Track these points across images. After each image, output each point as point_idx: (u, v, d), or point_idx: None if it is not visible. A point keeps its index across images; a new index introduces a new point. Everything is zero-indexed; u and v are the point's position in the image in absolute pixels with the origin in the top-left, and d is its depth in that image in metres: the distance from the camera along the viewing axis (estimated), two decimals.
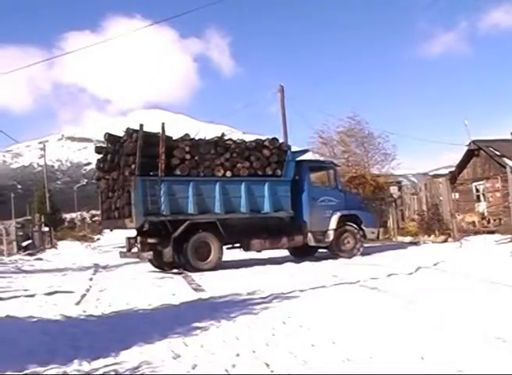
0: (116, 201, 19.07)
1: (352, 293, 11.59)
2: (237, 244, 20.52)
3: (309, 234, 20.85)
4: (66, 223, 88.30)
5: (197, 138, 19.53)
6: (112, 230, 26.60)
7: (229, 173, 19.24)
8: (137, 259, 20.70)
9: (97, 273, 20.09)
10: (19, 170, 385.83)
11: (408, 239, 29.51)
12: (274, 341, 7.47)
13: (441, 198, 30.24)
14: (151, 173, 18.23)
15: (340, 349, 6.83)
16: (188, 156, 18.69)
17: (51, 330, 9.04)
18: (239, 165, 19.44)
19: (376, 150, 38.21)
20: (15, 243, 39.72)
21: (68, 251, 38.63)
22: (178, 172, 18.52)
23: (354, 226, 21.66)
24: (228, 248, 20.21)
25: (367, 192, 34.71)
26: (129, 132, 18.58)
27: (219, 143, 19.56)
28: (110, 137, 19.85)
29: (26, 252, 38.70)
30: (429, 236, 28.02)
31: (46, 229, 50.25)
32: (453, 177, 37.13)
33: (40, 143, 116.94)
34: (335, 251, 21.27)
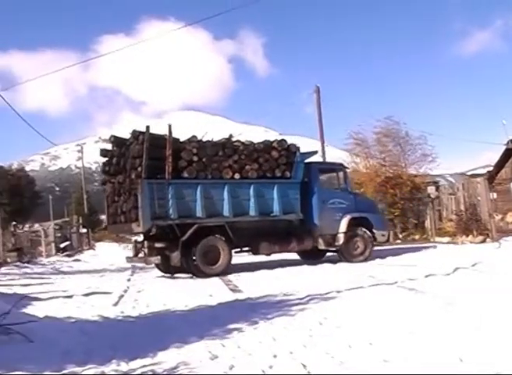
0: (123, 205, 18.73)
1: (389, 294, 11.44)
2: (246, 248, 20.26)
3: (319, 237, 20.51)
4: (104, 225, 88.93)
5: (204, 140, 19.25)
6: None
7: (237, 176, 18.90)
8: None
9: (135, 274, 20.20)
10: (57, 172, 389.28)
11: (446, 239, 29.18)
12: (311, 342, 7.40)
13: (479, 198, 29.86)
14: (158, 176, 17.89)
15: (377, 350, 6.74)
16: (195, 158, 18.36)
17: (89, 331, 9.14)
18: (247, 167, 19.10)
19: (413, 150, 37.88)
20: (53, 244, 40.20)
21: (105, 253, 38.88)
22: (185, 174, 18.18)
23: (364, 229, 21.24)
24: (236, 252, 19.96)
25: (404, 192, 34.47)
26: (136, 134, 18.31)
27: (227, 144, 19.26)
28: (116, 140, 19.55)
29: (65, 254, 39.18)
30: (467, 236, 27.72)
31: (84, 230, 50.78)
32: (491, 177, 36.78)
33: (78, 145, 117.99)
34: (345, 254, 20.83)
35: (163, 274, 19.49)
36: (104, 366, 6.77)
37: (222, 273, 18.05)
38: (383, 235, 21.92)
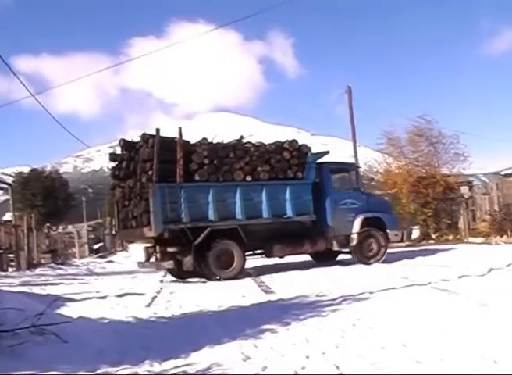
0: (133, 210, 18.49)
1: (422, 295, 11.36)
2: (258, 251, 20.05)
3: (332, 239, 20.30)
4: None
5: (214, 142, 19.03)
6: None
7: (249, 178, 18.67)
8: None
9: (168, 275, 20.21)
10: (90, 174, 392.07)
11: (479, 240, 28.96)
12: (343, 343, 7.37)
13: None
14: (169, 180, 17.63)
15: (410, 351, 6.65)
16: (206, 161, 18.12)
17: (122, 331, 9.22)
18: (259, 168, 18.84)
19: (446, 150, 37.55)
20: (86, 246, 40.54)
21: (138, 254, 39.02)
22: (197, 177, 17.95)
23: (377, 229, 21.00)
24: (249, 255, 19.63)
25: (436, 192, 34.22)
26: (145, 137, 18.08)
27: (238, 146, 19.03)
28: (125, 144, 19.33)
29: (98, 255, 39.49)
30: (501, 236, 27.53)
31: None
32: None
33: (111, 147, 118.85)
34: (359, 255, 20.58)
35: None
36: (138, 366, 6.81)
37: (236, 277, 17.89)
38: (396, 235, 21.65)
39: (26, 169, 63.78)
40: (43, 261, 32.31)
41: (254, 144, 19.48)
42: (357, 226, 20.48)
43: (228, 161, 18.46)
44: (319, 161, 20.80)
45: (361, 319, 9.00)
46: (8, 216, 36.96)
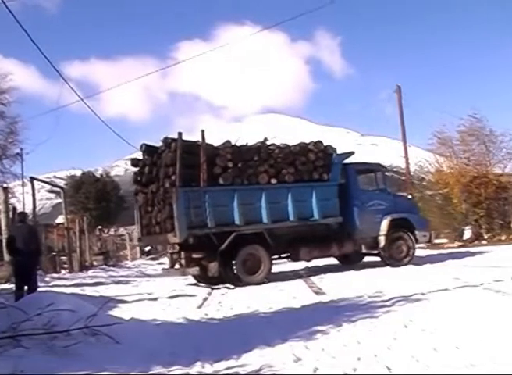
0: (157, 216, 18.18)
1: (475, 296, 11.16)
2: (284, 255, 19.66)
3: (359, 241, 19.98)
4: None
5: (238, 144, 18.77)
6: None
7: (274, 180, 18.38)
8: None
9: None
10: None
11: None
12: (395, 345, 7.29)
13: None
14: (193, 184, 17.34)
15: (464, 354, 6.55)
16: (230, 164, 17.79)
17: (174, 333, 9.30)
18: (284, 171, 18.57)
19: (498, 148, 36.93)
20: (138, 248, 40.77)
21: None
22: (221, 181, 17.62)
23: (405, 230, 20.62)
24: (274, 259, 19.26)
25: (489, 192, 33.70)
26: (167, 142, 17.83)
27: (262, 149, 18.71)
28: (147, 149, 19.05)
29: (149, 257, 39.72)
30: None
31: None
32: None
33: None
34: (388, 257, 20.19)
35: None
36: (189, 367, 6.86)
37: (263, 282, 17.53)
38: (424, 236, 21.18)
39: (78, 173, 64.44)
40: (95, 263, 32.69)
41: (278, 146, 19.19)
42: (384, 227, 20.16)
43: (252, 164, 18.22)
44: (345, 162, 20.53)
45: (414, 320, 8.87)
46: (60, 219, 37.45)
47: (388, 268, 18.75)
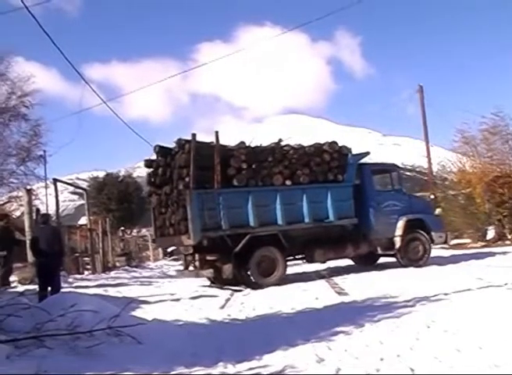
0: (171, 217, 18.06)
1: (499, 296, 11.10)
2: (298, 256, 19.56)
3: (375, 242, 19.84)
4: None
5: (252, 145, 18.56)
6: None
7: (288, 182, 18.20)
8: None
9: None
10: None
11: None
12: (418, 346, 7.27)
13: None
14: (207, 186, 17.17)
15: (488, 355, 6.50)
16: (245, 165, 17.59)
17: (196, 333, 9.34)
18: (298, 172, 18.38)
19: None
20: (160, 249, 40.86)
21: None
22: (235, 182, 17.42)
23: (421, 231, 20.40)
24: (289, 260, 19.10)
25: None
26: (181, 143, 17.63)
27: (276, 149, 18.48)
28: (160, 150, 18.86)
29: (172, 258, 39.78)
30: None
31: None
32: None
33: None
34: (403, 258, 19.97)
35: None
36: (212, 368, 6.88)
37: (278, 284, 17.24)
38: (440, 236, 20.94)
39: (100, 174, 64.70)
40: (118, 264, 32.80)
41: (292, 147, 19.00)
42: (400, 228, 19.97)
43: (267, 165, 18.03)
44: (359, 162, 20.36)
45: (436, 321, 8.82)
46: (83, 220, 37.63)
47: (411, 268, 18.62)
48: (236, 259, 17.24)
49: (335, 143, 19.54)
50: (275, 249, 17.86)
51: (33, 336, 7.74)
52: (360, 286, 14.92)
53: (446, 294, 11.65)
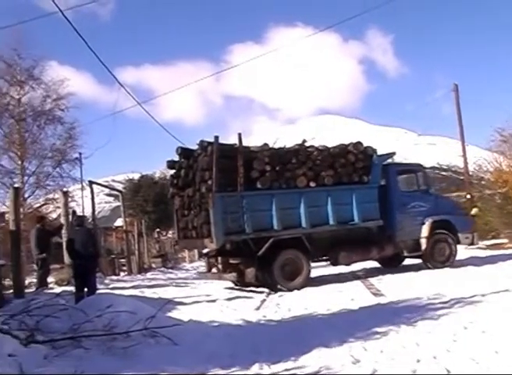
0: (193, 220, 17.84)
1: None
2: (322, 258, 19.30)
3: (400, 244, 19.54)
4: None
5: (276, 147, 18.37)
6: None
7: (312, 183, 17.88)
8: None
9: None
10: None
11: None
12: (455, 347, 7.20)
13: None
14: (229, 189, 16.97)
15: None
16: (268, 168, 17.34)
17: (232, 334, 9.35)
18: (323, 173, 18.05)
19: None
20: (196, 250, 40.96)
21: None
22: (258, 185, 17.21)
23: (447, 232, 20.02)
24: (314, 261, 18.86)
25: None
26: (204, 145, 17.46)
27: (300, 151, 18.21)
28: (183, 151, 18.71)
29: None
30: None
31: None
32: None
33: None
34: (429, 260, 19.65)
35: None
36: (248, 369, 6.89)
37: (302, 287, 17.02)
38: (467, 238, 20.54)
39: (136, 176, 65.17)
40: (153, 265, 32.94)
41: (317, 148, 18.68)
42: (425, 230, 19.65)
43: (290, 167, 17.75)
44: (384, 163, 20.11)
45: (474, 322, 8.72)
46: (119, 222, 37.95)
47: (447, 269, 18.39)
48: (259, 263, 17.04)
49: (360, 143, 19.29)
50: (298, 252, 17.64)
51: (71, 336, 7.82)
52: (397, 287, 14.84)
53: (483, 295, 11.49)
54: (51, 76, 31.17)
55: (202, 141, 17.70)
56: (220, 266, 18.19)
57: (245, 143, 17.78)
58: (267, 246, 16.89)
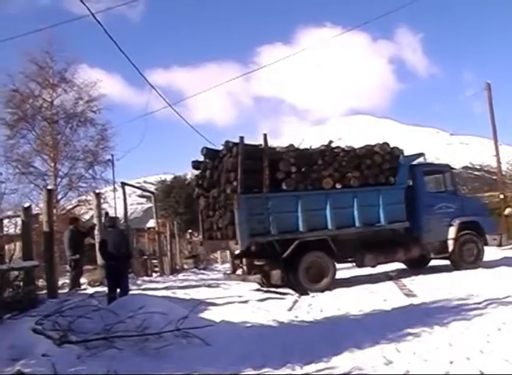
0: (218, 221, 17.76)
1: None
2: (348, 260, 19.09)
3: (427, 245, 19.30)
4: None
5: (301, 148, 18.18)
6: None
7: (338, 185, 17.69)
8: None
9: None
10: None
11: None
12: (489, 348, 7.12)
13: None
14: (255, 190, 16.91)
15: None
16: (294, 169, 17.16)
17: (264, 335, 9.34)
18: (349, 174, 17.85)
19: None
20: (228, 251, 41.00)
21: None
22: (284, 186, 17.04)
23: (475, 233, 19.70)
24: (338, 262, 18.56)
25: None
26: (229, 146, 17.37)
27: (326, 152, 18.01)
28: (208, 152, 18.65)
29: None
30: None
31: None
32: None
33: None
34: (457, 262, 19.37)
35: (337, 279, 19.15)
36: (280, 370, 6.90)
37: (326, 290, 16.83)
38: (494, 239, 20.49)
39: (168, 177, 65.49)
40: (186, 266, 33.07)
41: (343, 149, 18.47)
42: (453, 231, 19.38)
43: (316, 168, 17.60)
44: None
45: (507, 323, 8.61)
46: (151, 223, 38.08)
47: (480, 270, 18.20)
48: (284, 265, 16.89)
49: (386, 144, 19.12)
50: (324, 254, 17.49)
51: (103, 337, 7.89)
52: (429, 287, 14.72)
53: None
54: (83, 79, 31.55)
55: (227, 142, 17.65)
56: (245, 268, 18.21)
57: (275, 144, 17.79)
58: (292, 248, 16.76)
